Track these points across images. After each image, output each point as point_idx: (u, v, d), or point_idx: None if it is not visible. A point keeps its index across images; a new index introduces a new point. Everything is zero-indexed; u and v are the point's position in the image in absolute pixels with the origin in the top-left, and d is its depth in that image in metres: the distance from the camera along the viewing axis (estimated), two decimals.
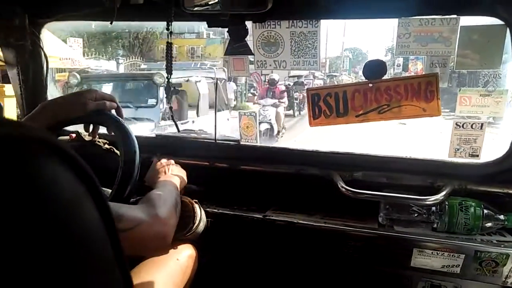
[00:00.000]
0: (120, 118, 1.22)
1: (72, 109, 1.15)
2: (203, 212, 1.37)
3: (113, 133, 1.20)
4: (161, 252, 1.25)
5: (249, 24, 1.38)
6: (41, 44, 1.62)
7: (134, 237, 0.95)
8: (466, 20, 1.24)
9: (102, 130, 1.27)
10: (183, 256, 1.28)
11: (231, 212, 1.48)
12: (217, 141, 1.69)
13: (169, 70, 1.46)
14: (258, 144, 1.67)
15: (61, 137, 1.52)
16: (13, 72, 1.64)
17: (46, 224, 0.28)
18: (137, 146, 1.15)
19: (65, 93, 1.51)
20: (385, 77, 1.33)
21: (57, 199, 0.29)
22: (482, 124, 1.32)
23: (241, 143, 1.69)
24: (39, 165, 0.29)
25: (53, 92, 1.72)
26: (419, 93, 1.30)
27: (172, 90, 1.49)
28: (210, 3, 1.32)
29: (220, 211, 1.48)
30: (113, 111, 1.23)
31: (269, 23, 1.39)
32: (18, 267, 0.25)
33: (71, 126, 1.37)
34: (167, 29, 1.38)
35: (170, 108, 1.54)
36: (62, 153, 0.31)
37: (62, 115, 1.15)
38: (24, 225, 0.26)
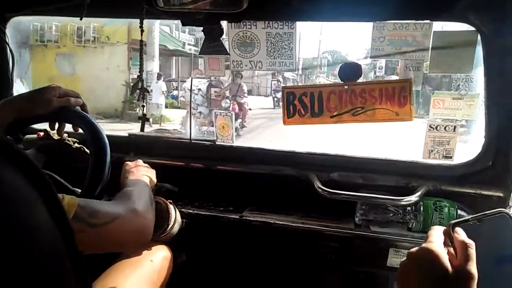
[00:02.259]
0: (87, 114, 1.22)
1: (35, 106, 1.14)
2: (178, 213, 1.40)
3: (80, 130, 1.20)
4: (138, 249, 1.27)
5: (224, 23, 1.40)
6: (7, 39, 1.60)
7: (113, 231, 0.97)
8: (439, 26, 1.30)
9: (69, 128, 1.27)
10: (158, 258, 1.30)
11: (207, 213, 1.51)
12: (192, 141, 1.71)
13: (141, 68, 1.48)
14: (234, 144, 1.70)
15: (28, 136, 1.52)
16: None
17: None
18: (107, 144, 1.15)
19: None
20: (371, 78, 1.37)
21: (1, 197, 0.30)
22: (455, 127, 1.38)
23: (217, 143, 1.71)
24: None
25: (19, 88, 1.71)
26: (393, 98, 1.35)
27: (143, 88, 1.49)
28: (184, 1, 1.33)
29: (195, 211, 1.51)
30: (78, 108, 1.22)
31: (244, 23, 1.41)
32: None
33: (39, 124, 1.37)
34: (140, 27, 1.39)
35: (142, 106, 1.55)
36: (11, 153, 0.32)
37: (25, 112, 1.14)
38: None
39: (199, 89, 10.13)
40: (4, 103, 1.15)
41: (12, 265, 0.29)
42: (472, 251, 0.62)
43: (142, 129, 1.60)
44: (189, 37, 17.59)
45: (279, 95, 14.95)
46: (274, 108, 15.73)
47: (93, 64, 12.47)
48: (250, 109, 10.82)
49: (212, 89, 10.23)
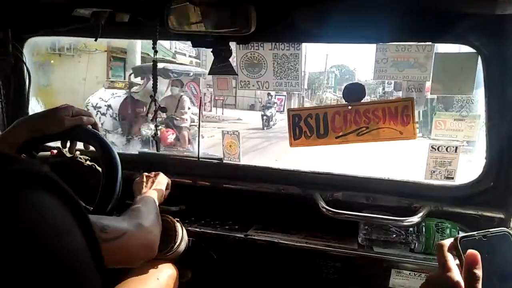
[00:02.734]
0: (98, 133, 1.25)
1: (48, 125, 1.18)
2: (184, 231, 1.42)
3: (92, 148, 1.24)
4: (144, 265, 1.28)
5: (232, 45, 1.46)
6: (24, 59, 1.68)
7: (121, 246, 1.00)
8: (441, 48, 1.35)
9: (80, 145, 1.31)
10: (164, 276, 1.31)
11: (213, 231, 1.53)
12: (200, 159, 1.74)
13: (155, 88, 1.54)
14: (241, 163, 1.74)
15: (41, 153, 1.56)
16: None
17: (34, 250, 0.32)
18: (119, 163, 1.19)
19: None
20: (379, 93, 1.42)
21: (44, 226, 0.33)
22: (456, 148, 1.41)
23: (224, 161, 1.75)
24: (33, 195, 0.34)
25: (35, 107, 1.77)
26: (396, 117, 1.39)
27: (160, 107, 1.55)
28: (194, 23, 1.39)
29: (201, 230, 1.53)
30: (90, 126, 1.25)
31: (252, 44, 1.47)
32: None
33: (53, 142, 1.41)
34: (153, 47, 1.45)
35: (156, 126, 1.60)
36: (50, 183, 0.36)
37: (39, 131, 1.18)
38: (11, 252, 0.30)
39: (108, 107, 7.30)
40: (19, 122, 1.18)
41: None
42: (479, 273, 0.64)
43: (158, 149, 1.65)
44: (184, 46, 16.14)
45: (269, 112, 14.35)
46: (263, 129, 13.78)
47: (69, 74, 11.26)
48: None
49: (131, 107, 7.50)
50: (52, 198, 0.35)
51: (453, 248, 0.71)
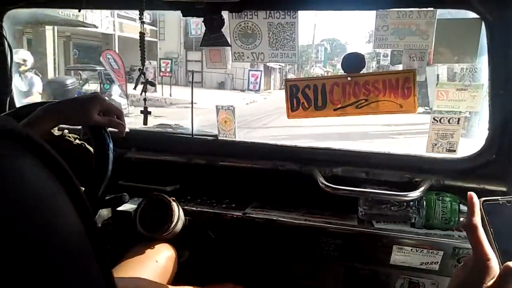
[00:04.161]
0: (110, 141, 1.17)
1: (75, 117, 1.12)
2: (181, 210, 1.40)
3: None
4: (141, 250, 1.27)
5: (225, 14, 1.42)
6: (4, 33, 1.62)
7: None
8: (443, 14, 1.32)
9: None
10: (162, 258, 1.31)
11: (210, 210, 1.52)
12: (194, 136, 1.72)
13: (142, 62, 1.49)
14: (237, 139, 1.71)
15: None
16: None
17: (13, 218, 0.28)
18: (111, 141, 1.16)
19: None
20: (372, 67, 1.39)
21: (25, 193, 0.29)
22: (458, 119, 1.39)
23: (219, 138, 1.73)
24: (5, 159, 0.29)
25: (18, 83, 1.72)
26: (396, 89, 1.36)
27: (147, 81, 1.51)
28: None
29: (198, 209, 1.52)
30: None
31: (246, 13, 1.42)
32: None
33: None
34: (140, 18, 1.41)
35: (144, 99, 1.56)
36: (34, 147, 0.32)
37: (62, 122, 1.13)
38: None
39: None
40: (43, 113, 1.11)
41: (36, 256, 0.29)
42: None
43: (145, 123, 1.61)
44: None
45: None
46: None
47: None
48: None
49: None
50: (38, 165, 0.32)
51: (476, 215, 0.70)
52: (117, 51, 17.35)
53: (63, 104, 1.16)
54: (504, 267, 0.65)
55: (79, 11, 1.40)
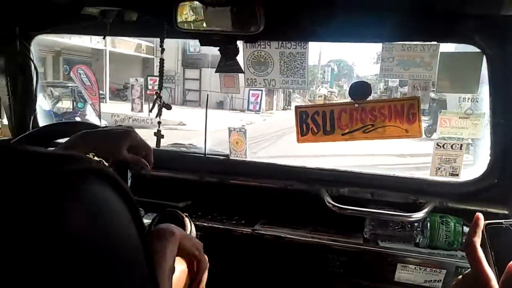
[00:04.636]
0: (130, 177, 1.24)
1: (106, 149, 1.14)
2: (193, 226, 1.47)
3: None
4: None
5: (240, 43, 1.50)
6: (31, 56, 1.72)
7: None
8: (446, 47, 1.39)
9: None
10: (176, 271, 1.36)
11: (220, 226, 1.58)
12: (207, 155, 1.79)
13: (160, 86, 1.58)
14: (247, 159, 1.79)
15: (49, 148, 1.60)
16: (2, 83, 1.73)
17: (103, 239, 0.37)
18: (130, 180, 1.24)
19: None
20: (380, 89, 1.46)
21: (111, 218, 0.39)
22: (461, 145, 1.46)
23: (231, 157, 1.80)
24: (98, 190, 0.39)
25: (42, 103, 1.82)
26: (402, 115, 1.43)
27: (164, 104, 1.59)
28: (202, 21, 1.43)
29: (209, 224, 1.59)
30: None
31: (259, 43, 1.51)
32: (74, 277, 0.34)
33: None
34: (160, 46, 1.50)
35: (159, 123, 1.63)
36: (109, 178, 0.40)
37: (94, 151, 1.14)
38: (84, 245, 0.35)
39: None
40: (81, 139, 1.14)
41: (104, 272, 0.37)
42: None
43: (157, 145, 1.69)
44: None
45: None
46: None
47: None
48: None
49: None
50: (112, 194, 0.40)
51: (477, 236, 0.71)
52: (107, 67, 17.25)
53: (98, 134, 1.19)
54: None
55: (104, 38, 1.49)
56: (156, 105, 1.58)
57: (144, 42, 19.12)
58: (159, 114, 1.59)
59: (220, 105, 20.14)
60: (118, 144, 1.14)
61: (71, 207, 0.35)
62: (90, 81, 7.07)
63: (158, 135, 1.66)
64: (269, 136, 11.84)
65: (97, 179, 0.39)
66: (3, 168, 0.35)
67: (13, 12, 1.60)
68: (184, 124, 12.36)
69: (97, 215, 0.37)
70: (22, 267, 0.31)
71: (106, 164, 1.47)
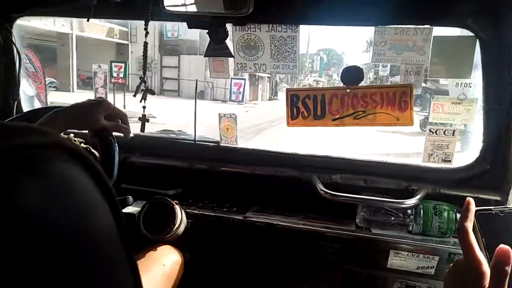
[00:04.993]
0: (116, 145, 1.22)
1: (84, 122, 1.17)
2: (183, 213, 1.46)
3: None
4: (147, 254, 1.32)
5: (229, 26, 1.47)
6: (13, 39, 1.67)
7: None
8: (439, 31, 1.37)
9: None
10: (169, 262, 1.35)
11: (211, 213, 1.57)
12: (197, 142, 1.78)
13: (144, 70, 1.55)
14: (238, 146, 1.77)
15: None
16: None
17: (66, 223, 0.33)
18: (116, 145, 1.21)
19: None
20: (370, 79, 1.44)
21: (78, 200, 0.36)
22: (454, 131, 1.45)
23: (221, 144, 1.79)
24: (64, 168, 0.35)
25: (25, 88, 1.78)
26: (393, 102, 1.42)
27: (148, 89, 1.56)
28: (190, 3, 1.40)
29: (200, 212, 1.58)
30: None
31: (249, 26, 1.48)
32: (32, 263, 0.30)
33: None
34: (145, 29, 1.46)
35: (143, 107, 1.60)
36: (84, 161, 0.37)
37: (73, 126, 1.19)
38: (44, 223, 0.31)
39: None
40: (56, 115, 1.15)
41: (79, 260, 0.34)
42: (508, 270, 0.64)
43: (142, 130, 1.65)
44: None
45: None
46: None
47: None
48: None
49: None
50: (81, 173, 0.37)
51: (468, 220, 0.71)
52: (74, 53, 16.36)
53: (72, 108, 1.21)
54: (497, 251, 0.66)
55: (88, 20, 1.44)
56: (141, 90, 1.55)
57: (116, 26, 18.53)
58: (143, 98, 1.56)
59: (200, 95, 18.65)
60: (94, 114, 1.16)
61: (29, 182, 0.31)
62: (35, 67, 6.93)
63: (143, 120, 1.63)
64: (246, 131, 10.91)
65: (63, 155, 0.36)
66: None
67: None
68: (154, 117, 11.40)
69: (61, 194, 0.34)
70: None
71: (94, 152, 1.46)
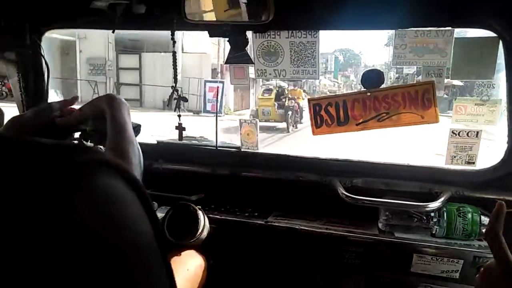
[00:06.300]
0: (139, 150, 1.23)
1: (37, 117, 1.14)
2: (206, 219, 1.46)
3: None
4: (172, 259, 1.32)
5: (249, 33, 1.47)
6: (42, 52, 1.71)
7: None
8: (461, 32, 1.34)
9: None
10: (192, 265, 1.36)
11: (234, 218, 1.57)
12: (218, 148, 1.78)
13: (175, 79, 1.56)
14: (259, 151, 1.76)
15: None
16: (14, 80, 1.72)
17: (110, 232, 0.36)
18: (141, 155, 1.21)
19: None
20: (391, 78, 1.41)
21: (121, 211, 0.38)
22: (477, 132, 1.42)
23: (242, 149, 1.78)
24: (110, 184, 0.38)
25: (53, 99, 1.80)
26: (416, 101, 1.39)
27: (180, 97, 1.57)
28: (210, 12, 1.40)
29: (222, 217, 1.57)
30: None
31: (269, 33, 1.48)
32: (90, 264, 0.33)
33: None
34: (172, 38, 1.47)
35: (179, 116, 1.61)
36: (127, 175, 0.40)
37: (29, 127, 1.13)
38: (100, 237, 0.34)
39: None
40: (11, 123, 1.13)
41: (122, 265, 0.36)
42: None
43: (180, 138, 1.67)
44: None
45: None
46: None
47: None
48: None
49: None
50: (124, 186, 0.39)
51: (499, 224, 0.71)
52: None
53: (27, 113, 1.19)
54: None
55: (113, 32, 1.47)
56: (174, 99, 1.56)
57: None
58: (177, 106, 1.57)
59: (166, 105, 13.20)
60: (44, 111, 1.14)
61: (83, 197, 0.34)
62: None
63: (180, 128, 1.65)
64: None
65: (108, 170, 0.38)
66: (15, 160, 0.35)
67: (23, 7, 1.59)
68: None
69: (108, 206, 0.37)
70: (34, 258, 0.31)
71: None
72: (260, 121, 1.81)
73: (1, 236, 0.31)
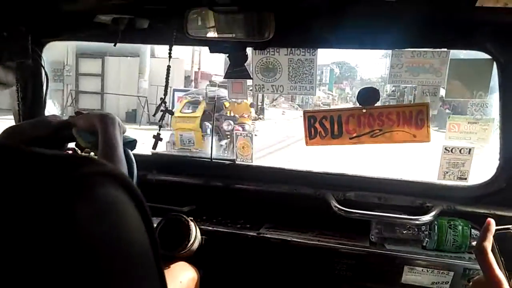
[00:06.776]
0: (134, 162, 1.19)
1: (35, 128, 1.14)
2: (198, 230, 1.44)
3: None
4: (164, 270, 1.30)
5: (248, 49, 1.47)
6: (43, 63, 1.69)
7: None
8: (455, 52, 1.37)
9: None
10: (185, 277, 1.34)
11: (226, 230, 1.55)
12: (213, 160, 1.76)
13: (166, 92, 1.55)
14: (254, 164, 1.76)
15: None
16: (12, 89, 1.69)
17: (110, 240, 0.37)
18: (135, 167, 1.18)
19: None
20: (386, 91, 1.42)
21: (120, 220, 0.39)
22: (470, 149, 1.43)
23: (237, 162, 1.77)
24: (113, 195, 0.39)
25: (51, 109, 1.79)
26: (410, 120, 1.40)
27: (167, 110, 1.56)
28: (211, 29, 1.41)
29: (214, 228, 1.55)
30: None
31: (268, 50, 1.48)
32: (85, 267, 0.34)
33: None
34: (169, 53, 1.47)
35: (159, 126, 1.59)
36: (127, 186, 0.40)
37: (26, 137, 1.13)
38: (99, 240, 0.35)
39: None
40: (7, 133, 1.13)
41: (122, 258, 0.37)
42: None
43: (154, 148, 1.63)
44: None
45: None
46: None
47: None
48: None
49: None
50: (125, 196, 0.40)
51: (488, 241, 0.72)
52: None
53: (24, 123, 1.29)
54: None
55: (115, 45, 1.46)
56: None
57: None
58: (162, 118, 1.56)
59: (131, 117, 13.37)
60: (43, 121, 1.15)
61: (85, 208, 0.35)
62: None
63: (157, 138, 1.62)
64: None
65: (110, 181, 0.39)
66: (16, 171, 0.36)
67: (26, 19, 1.58)
68: None
69: (109, 217, 0.38)
70: (36, 266, 0.32)
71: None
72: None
73: (5, 243, 0.31)
